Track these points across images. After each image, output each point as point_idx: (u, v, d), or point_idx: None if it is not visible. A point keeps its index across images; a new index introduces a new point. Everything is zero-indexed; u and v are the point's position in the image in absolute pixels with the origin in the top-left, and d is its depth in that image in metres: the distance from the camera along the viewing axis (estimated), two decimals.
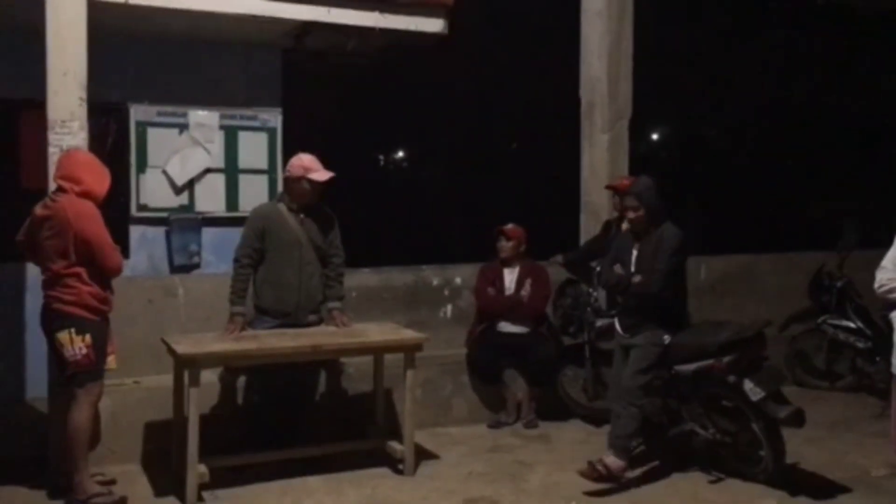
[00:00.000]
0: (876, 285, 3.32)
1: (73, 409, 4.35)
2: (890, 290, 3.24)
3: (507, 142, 15.49)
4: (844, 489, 4.69)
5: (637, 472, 4.91)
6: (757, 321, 4.78)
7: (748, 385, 4.52)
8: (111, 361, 4.60)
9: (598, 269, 5.85)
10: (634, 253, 4.77)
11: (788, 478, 4.71)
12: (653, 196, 4.69)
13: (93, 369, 4.38)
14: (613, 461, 4.65)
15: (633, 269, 4.74)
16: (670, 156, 17.47)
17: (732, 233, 10.91)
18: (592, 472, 4.63)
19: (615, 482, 4.64)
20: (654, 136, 20.27)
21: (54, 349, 4.41)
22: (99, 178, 4.50)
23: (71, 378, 4.36)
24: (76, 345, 4.30)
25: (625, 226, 5.84)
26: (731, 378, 4.59)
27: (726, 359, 4.56)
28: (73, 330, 4.30)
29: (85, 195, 4.39)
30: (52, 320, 4.37)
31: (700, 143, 16.52)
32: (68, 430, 4.35)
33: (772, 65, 12.58)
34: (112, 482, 4.69)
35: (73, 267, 4.33)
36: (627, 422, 4.70)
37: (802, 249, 8.01)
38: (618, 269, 4.84)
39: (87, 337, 4.32)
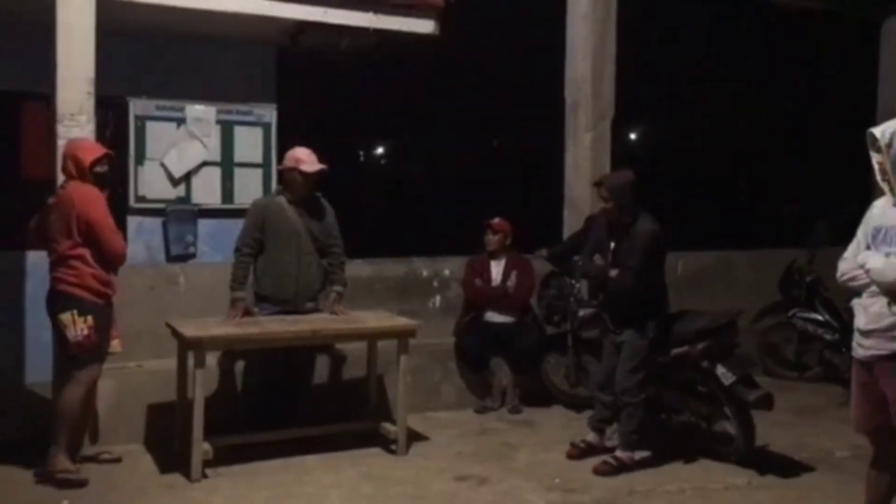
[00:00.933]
0: (838, 274, 3.59)
1: (68, 386, 4.53)
2: (850, 279, 3.51)
3: (499, 139, 15.74)
4: (809, 468, 5.01)
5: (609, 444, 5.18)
6: (729, 310, 5.08)
7: (720, 370, 4.83)
8: (115, 345, 4.79)
9: (580, 261, 6.14)
10: (612, 245, 4.96)
11: (758, 458, 5.01)
12: (625, 191, 4.83)
13: (93, 351, 4.55)
14: (622, 453, 4.93)
15: (610, 260, 4.94)
16: (648, 155, 17.79)
17: (710, 230, 11.23)
18: (606, 466, 4.86)
19: (627, 471, 4.87)
20: (632, 136, 20.64)
21: (57, 330, 4.57)
22: (90, 149, 4.69)
23: (71, 359, 4.53)
24: (78, 326, 4.47)
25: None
26: (705, 363, 4.89)
27: (700, 345, 4.86)
28: (75, 311, 4.47)
29: (78, 168, 4.57)
30: (56, 301, 4.54)
31: (676, 142, 16.85)
32: (58, 404, 4.53)
33: (739, 65, 12.96)
34: (118, 460, 4.90)
35: (77, 248, 4.50)
36: (629, 419, 4.93)
37: (776, 246, 8.34)
38: (598, 259, 5.04)
39: (90, 318, 4.49)
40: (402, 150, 21.10)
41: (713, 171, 15.35)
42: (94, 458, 4.85)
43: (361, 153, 22.94)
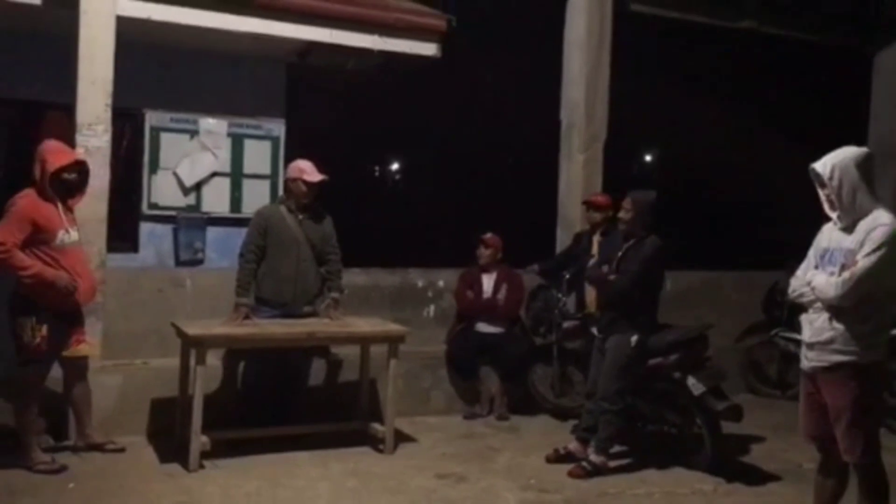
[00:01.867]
0: (789, 291, 3.86)
1: (20, 384, 4.78)
2: (799, 295, 3.78)
3: (512, 157, 16.01)
4: (776, 478, 5.25)
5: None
6: (700, 324, 5.35)
7: (691, 381, 5.10)
8: (82, 349, 4.98)
9: (568, 276, 6.44)
10: (619, 255, 5.23)
11: (727, 467, 5.26)
12: (647, 206, 5.15)
13: (42, 355, 4.72)
14: (596, 458, 5.15)
15: (614, 268, 5.20)
16: (647, 177, 18.00)
17: (709, 252, 11.41)
18: (580, 471, 5.09)
19: (601, 475, 5.09)
20: (648, 158, 20.93)
21: (13, 329, 4.68)
22: (59, 155, 4.72)
23: (21, 359, 4.73)
24: (35, 333, 4.62)
25: (596, 238, 6.46)
26: (677, 374, 5.16)
27: (672, 357, 5.12)
28: (34, 319, 4.62)
29: (42, 171, 4.62)
30: (17, 304, 4.67)
31: (674, 164, 17.00)
32: (16, 407, 4.81)
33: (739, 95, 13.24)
34: (122, 450, 5.21)
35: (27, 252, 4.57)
36: (606, 426, 5.16)
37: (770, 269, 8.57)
38: (605, 269, 5.30)
39: (44, 328, 4.64)
40: (416, 167, 21.44)
41: (713, 196, 15.58)
42: (100, 447, 5.15)
43: (377, 168, 23.34)
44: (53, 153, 4.75)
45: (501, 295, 6.57)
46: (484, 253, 6.65)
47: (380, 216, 15.28)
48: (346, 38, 6.60)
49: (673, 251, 5.33)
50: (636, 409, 5.47)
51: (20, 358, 4.75)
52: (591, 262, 5.85)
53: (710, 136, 13.95)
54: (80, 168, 4.89)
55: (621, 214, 5.24)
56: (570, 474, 5.10)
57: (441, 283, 7.07)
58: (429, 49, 6.96)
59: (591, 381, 5.43)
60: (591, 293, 6.22)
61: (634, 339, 5.11)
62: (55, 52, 5.81)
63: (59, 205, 4.77)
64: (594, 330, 5.42)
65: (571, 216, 7.35)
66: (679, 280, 7.91)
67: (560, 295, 6.46)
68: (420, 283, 7.05)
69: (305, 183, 5.58)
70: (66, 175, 4.76)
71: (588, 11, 7.30)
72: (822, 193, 3.69)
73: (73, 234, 4.82)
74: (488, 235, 6.68)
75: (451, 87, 12.32)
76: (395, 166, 24.47)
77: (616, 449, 5.40)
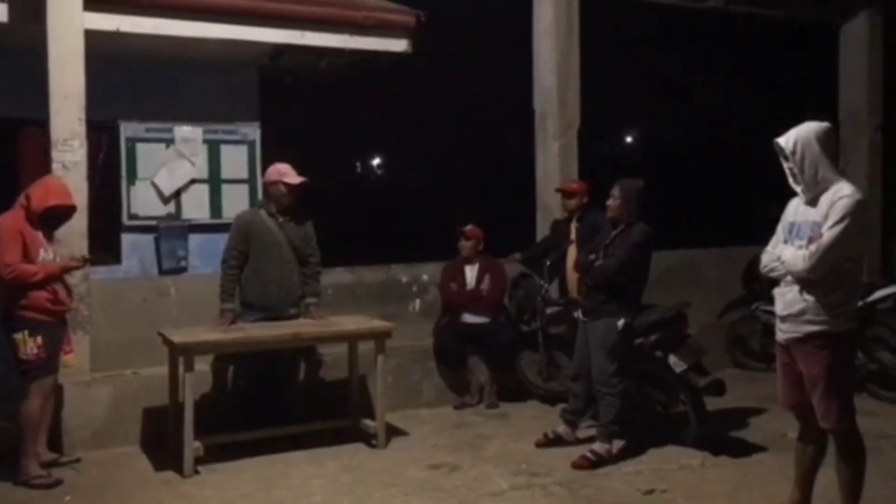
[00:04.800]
0: (760, 266, 3.96)
1: (24, 400, 4.89)
2: (770, 270, 3.88)
3: (489, 148, 16.08)
4: (761, 449, 5.37)
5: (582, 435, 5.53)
6: (678, 303, 5.44)
7: (672, 359, 5.19)
8: (68, 360, 5.16)
9: (549, 263, 6.52)
10: (607, 242, 5.28)
11: (713, 441, 5.36)
12: (633, 194, 5.22)
13: (44, 367, 4.90)
14: (600, 446, 5.16)
15: (601, 254, 5.27)
16: (635, 160, 18.16)
17: (695, 230, 11.51)
18: (584, 461, 5.06)
19: (606, 465, 5.08)
20: (628, 139, 21.07)
21: (10, 347, 4.89)
22: (55, 196, 4.97)
23: (24, 374, 4.90)
24: (28, 345, 4.83)
25: (573, 224, 6.54)
26: (658, 353, 5.25)
27: (653, 337, 5.22)
28: (26, 332, 4.83)
29: (29, 204, 4.91)
30: (8, 322, 4.88)
31: (663, 147, 17.19)
32: (20, 418, 4.90)
33: (718, 73, 13.36)
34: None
35: None
36: (606, 410, 5.18)
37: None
38: (592, 257, 5.35)
39: (39, 338, 4.85)
40: (397, 161, 21.50)
41: (698, 174, 15.72)
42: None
43: (358, 164, 23.37)
44: (55, 193, 4.99)
45: (485, 285, 6.65)
46: (465, 245, 6.72)
47: (363, 211, 15.34)
48: (317, 38, 6.66)
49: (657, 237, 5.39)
50: (623, 390, 5.55)
51: (22, 371, 4.89)
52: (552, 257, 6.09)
53: (687, 117, 14.10)
54: (70, 214, 5.17)
55: (609, 202, 5.28)
56: (575, 465, 5.04)
57: (425, 277, 7.14)
58: (399, 45, 7.02)
59: (575, 363, 5.50)
60: (572, 279, 6.30)
61: (621, 323, 5.15)
62: (26, 67, 5.82)
63: (41, 231, 5.00)
64: (578, 314, 5.49)
65: (550, 203, 7.41)
66: (659, 261, 7.89)
67: (542, 282, 6.55)
68: (404, 279, 7.12)
69: (286, 185, 5.63)
70: (58, 211, 5.04)
71: (556, 0, 7.35)
72: (786, 167, 3.78)
73: (51, 253, 5.04)
74: (468, 227, 6.75)
75: (426, 80, 12.40)
76: (376, 161, 24.48)
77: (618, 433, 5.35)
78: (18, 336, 4.84)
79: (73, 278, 5.30)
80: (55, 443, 5.33)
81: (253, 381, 5.74)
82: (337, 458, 5.34)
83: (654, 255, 7.81)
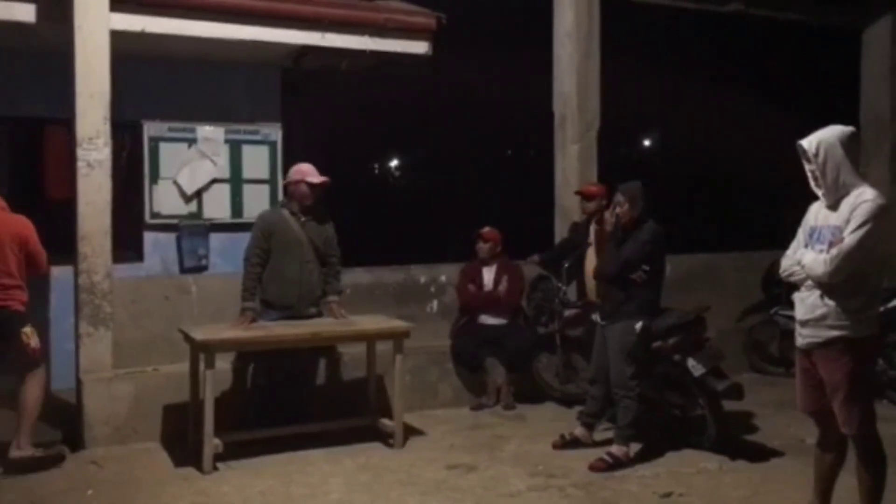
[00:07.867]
0: (780, 270, 3.95)
1: (32, 387, 5.10)
2: (790, 274, 3.87)
3: (510, 150, 16.11)
4: (779, 454, 5.35)
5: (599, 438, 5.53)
6: (697, 307, 5.43)
7: (691, 363, 5.18)
8: None
9: (567, 265, 6.53)
10: (621, 245, 5.28)
11: (732, 445, 5.36)
12: (636, 193, 5.23)
13: (42, 355, 5.20)
14: (618, 448, 5.15)
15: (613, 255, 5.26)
16: (661, 163, 18.07)
17: (711, 235, 11.50)
18: (601, 463, 5.05)
19: (623, 468, 5.07)
20: (647, 143, 21.00)
21: (15, 343, 5.05)
22: None
23: (32, 363, 5.10)
24: (33, 338, 5.10)
25: (592, 226, 6.54)
26: (677, 357, 5.25)
27: (672, 340, 5.21)
28: (29, 325, 5.09)
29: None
30: (15, 319, 5.07)
31: (682, 151, 17.11)
32: (24, 402, 5.08)
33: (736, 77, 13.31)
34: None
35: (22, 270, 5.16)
36: (624, 412, 5.17)
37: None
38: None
39: (34, 330, 5.14)
40: (415, 163, 21.55)
41: (717, 178, 15.65)
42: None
43: (376, 165, 23.45)
44: None
45: (502, 287, 6.67)
46: (483, 247, 6.74)
47: (381, 213, 15.39)
48: (338, 40, 6.67)
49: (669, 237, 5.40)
50: (641, 393, 5.55)
51: (25, 363, 5.08)
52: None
53: (708, 121, 14.03)
54: None
55: (618, 210, 5.27)
56: (592, 468, 5.03)
57: (443, 278, 7.17)
58: (420, 47, 7.03)
59: (593, 366, 5.51)
60: (590, 281, 6.31)
61: (639, 325, 5.15)
62: (53, 67, 5.90)
63: None
64: (595, 317, 5.49)
65: (568, 206, 7.42)
66: (679, 264, 7.99)
67: (560, 284, 6.55)
68: (423, 279, 7.15)
69: (309, 185, 5.69)
70: None
71: (576, 2, 7.36)
72: (807, 169, 3.78)
73: None
74: (486, 229, 6.78)
75: (446, 82, 12.43)
76: (394, 163, 24.54)
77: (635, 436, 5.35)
78: (27, 329, 5.06)
79: (97, 275, 5.37)
80: (76, 438, 5.40)
81: (272, 379, 5.79)
82: (354, 456, 5.37)
83: (673, 258, 7.92)
